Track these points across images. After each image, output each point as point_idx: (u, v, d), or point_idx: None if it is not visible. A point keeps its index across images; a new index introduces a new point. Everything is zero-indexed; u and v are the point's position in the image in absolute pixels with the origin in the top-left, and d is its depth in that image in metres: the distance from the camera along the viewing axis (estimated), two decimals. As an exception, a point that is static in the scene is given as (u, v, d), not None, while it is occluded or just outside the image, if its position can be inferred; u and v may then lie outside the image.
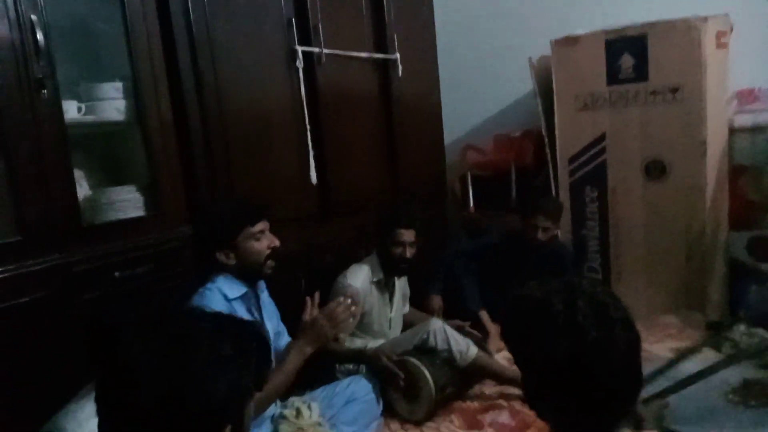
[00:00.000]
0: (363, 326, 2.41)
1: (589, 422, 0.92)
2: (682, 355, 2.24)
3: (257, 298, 1.87)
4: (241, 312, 1.74)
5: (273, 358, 1.84)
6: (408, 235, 2.38)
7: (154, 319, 0.84)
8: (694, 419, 1.90)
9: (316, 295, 1.86)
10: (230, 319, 0.92)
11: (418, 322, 2.42)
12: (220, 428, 0.82)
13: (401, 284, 2.60)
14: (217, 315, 0.92)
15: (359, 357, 2.18)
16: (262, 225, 1.80)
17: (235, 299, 1.75)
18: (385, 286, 2.46)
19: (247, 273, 1.80)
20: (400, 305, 2.60)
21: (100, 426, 0.82)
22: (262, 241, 1.79)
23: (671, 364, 2.20)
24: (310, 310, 1.80)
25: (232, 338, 0.84)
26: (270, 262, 1.81)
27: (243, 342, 0.86)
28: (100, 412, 0.81)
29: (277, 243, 1.81)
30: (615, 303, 0.93)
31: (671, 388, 2.03)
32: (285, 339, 2.00)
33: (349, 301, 1.80)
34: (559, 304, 0.91)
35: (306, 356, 1.74)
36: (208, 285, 1.75)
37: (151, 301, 1.57)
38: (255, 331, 0.91)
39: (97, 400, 0.82)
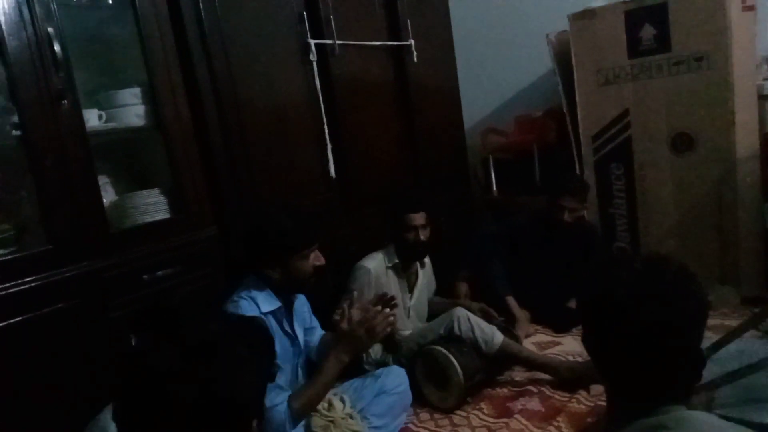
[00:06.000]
0: None
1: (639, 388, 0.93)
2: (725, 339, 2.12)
3: (290, 306, 1.90)
4: (272, 324, 1.78)
5: (298, 351, 1.89)
6: (418, 218, 2.37)
7: (168, 330, 0.85)
8: (739, 402, 1.83)
9: (352, 300, 1.86)
10: (237, 320, 0.95)
11: (443, 310, 2.41)
12: (248, 426, 0.85)
13: (426, 274, 2.59)
14: (225, 318, 0.94)
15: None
16: (314, 246, 1.84)
17: (268, 313, 1.78)
18: (403, 272, 2.46)
19: (290, 288, 1.85)
20: (424, 296, 2.59)
21: None
22: (309, 259, 1.83)
23: (714, 348, 2.08)
24: (348, 318, 1.79)
25: (244, 339, 0.87)
26: (312, 279, 1.85)
27: (254, 341, 0.89)
28: (122, 426, 0.82)
29: (322, 262, 1.85)
30: (673, 269, 0.94)
31: (722, 379, 1.95)
32: (317, 333, 2.04)
33: (387, 310, 1.78)
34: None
35: (344, 365, 1.77)
36: (243, 294, 1.78)
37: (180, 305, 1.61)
38: (260, 327, 0.97)
39: (118, 415, 0.82)
